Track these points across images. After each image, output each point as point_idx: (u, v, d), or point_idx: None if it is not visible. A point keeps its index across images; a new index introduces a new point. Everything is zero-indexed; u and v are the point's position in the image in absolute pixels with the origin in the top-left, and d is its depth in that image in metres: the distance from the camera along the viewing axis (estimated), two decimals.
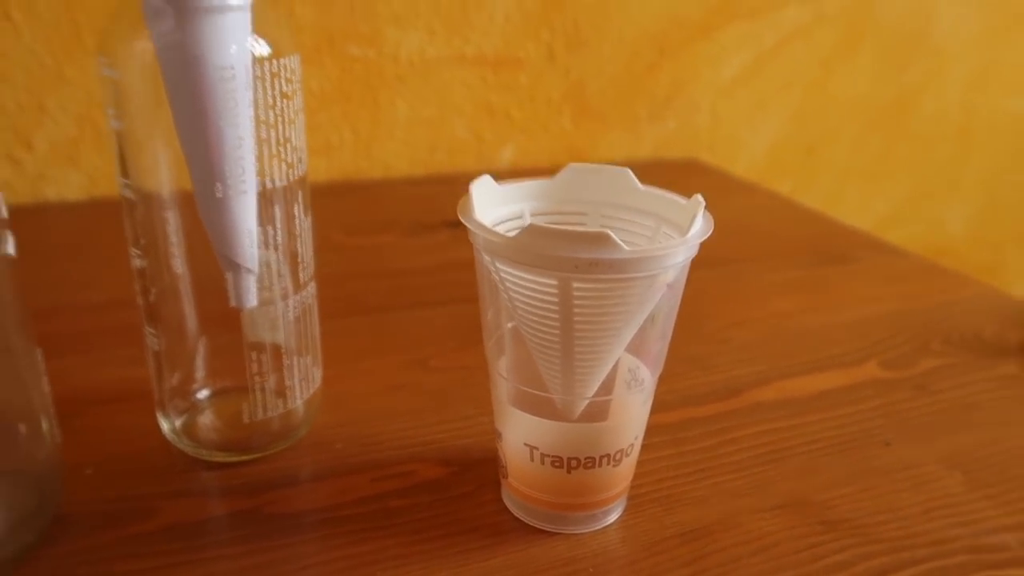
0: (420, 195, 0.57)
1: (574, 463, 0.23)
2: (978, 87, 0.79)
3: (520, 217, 0.25)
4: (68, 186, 0.52)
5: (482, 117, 0.62)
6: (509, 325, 0.24)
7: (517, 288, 0.22)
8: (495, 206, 0.24)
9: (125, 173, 0.24)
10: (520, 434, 0.24)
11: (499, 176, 0.55)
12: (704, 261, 0.49)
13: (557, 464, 0.23)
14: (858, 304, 0.41)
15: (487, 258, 0.22)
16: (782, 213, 0.56)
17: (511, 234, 0.21)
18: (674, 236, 0.24)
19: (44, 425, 0.23)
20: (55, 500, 0.24)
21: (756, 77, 0.70)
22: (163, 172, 0.24)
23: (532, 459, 0.24)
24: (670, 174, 0.65)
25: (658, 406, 0.30)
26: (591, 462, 0.23)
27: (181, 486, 0.26)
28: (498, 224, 0.24)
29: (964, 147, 0.82)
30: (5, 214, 0.22)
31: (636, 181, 0.25)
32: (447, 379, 0.33)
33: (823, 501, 0.27)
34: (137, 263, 0.26)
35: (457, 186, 0.59)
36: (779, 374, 0.34)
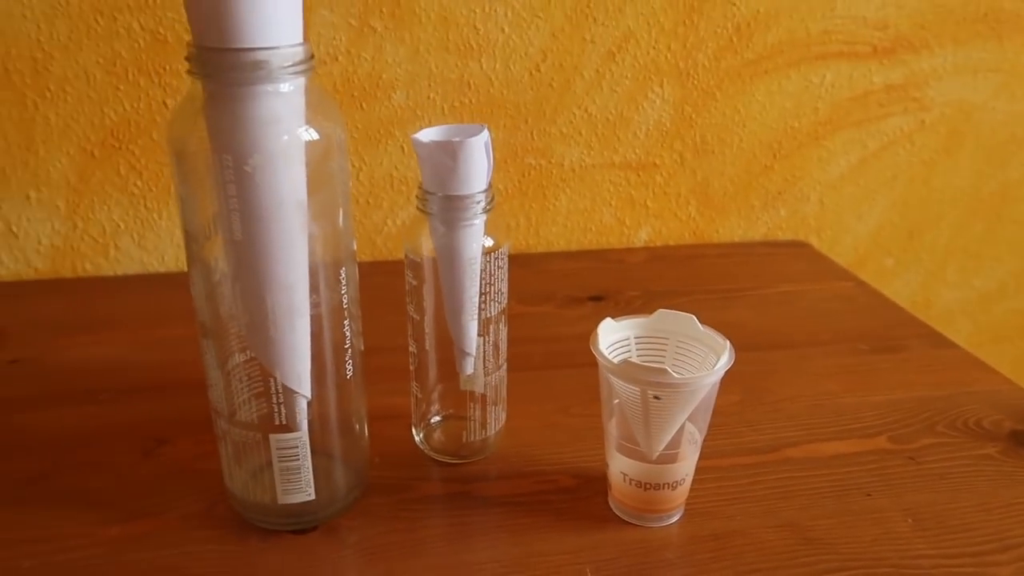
0: (573, 269, 0.76)
1: (648, 485, 0.41)
2: None
3: (628, 340, 0.43)
4: None
5: (624, 207, 0.79)
6: (616, 401, 0.42)
7: (620, 386, 0.39)
8: (614, 333, 0.42)
9: (414, 304, 0.45)
10: (619, 467, 0.42)
11: (635, 252, 0.75)
12: (780, 343, 0.67)
13: (639, 486, 0.41)
14: (891, 389, 0.56)
15: (604, 371, 0.40)
16: (861, 302, 0.70)
17: (618, 359, 0.39)
18: (714, 359, 0.40)
19: (365, 426, 0.44)
20: (367, 474, 0.45)
21: (861, 175, 0.83)
22: (430, 305, 0.44)
23: (625, 481, 0.41)
24: (778, 256, 0.80)
25: (716, 454, 0.47)
26: (658, 486, 0.41)
27: (425, 474, 0.46)
28: (614, 344, 0.42)
29: None
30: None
31: (698, 323, 0.42)
32: (582, 423, 0.51)
33: (809, 526, 0.42)
34: (412, 348, 0.46)
35: (602, 261, 0.77)
36: (809, 439, 0.50)
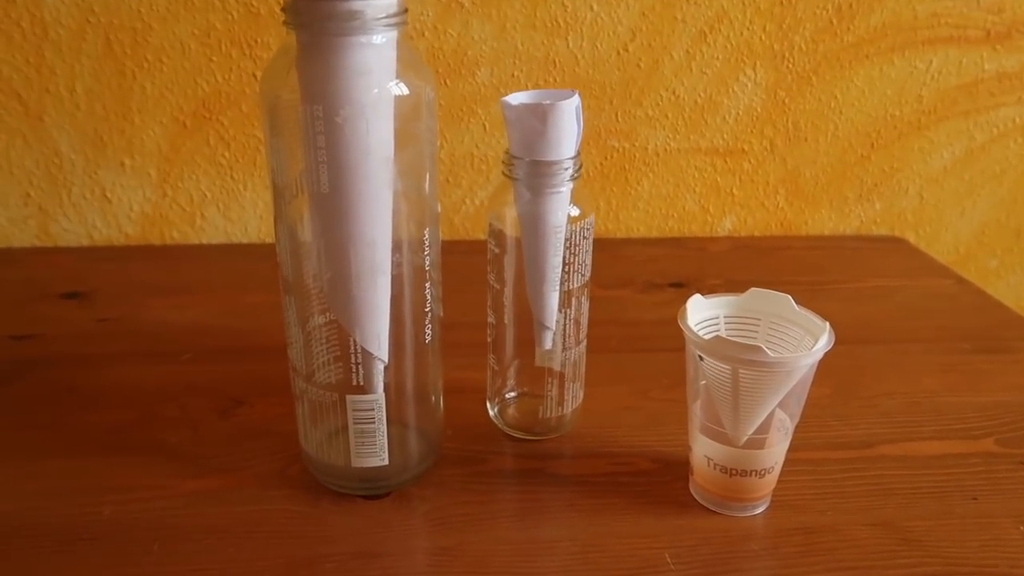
0: (653, 255, 0.73)
1: (734, 472, 0.39)
2: None
3: (717, 318, 0.41)
4: None
5: (709, 194, 0.77)
6: (702, 382, 0.40)
7: (709, 366, 0.38)
8: (703, 310, 0.40)
9: (494, 274, 0.43)
10: (703, 450, 0.40)
11: (717, 241, 0.73)
12: (877, 338, 0.64)
13: (723, 471, 0.39)
14: (998, 390, 0.52)
15: (692, 347, 0.38)
16: (963, 300, 0.65)
17: (708, 336, 0.37)
18: (811, 342, 0.38)
19: (440, 396, 0.43)
20: (440, 445, 0.44)
21: (966, 169, 0.78)
22: (511, 276, 0.43)
23: (708, 466, 0.39)
24: (871, 250, 0.76)
25: (805, 446, 0.45)
26: (745, 473, 0.39)
27: (499, 448, 0.45)
28: (702, 322, 0.40)
29: None
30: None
31: (794, 303, 0.40)
32: (661, 407, 0.49)
33: (908, 527, 0.40)
34: (490, 319, 0.45)
35: (683, 249, 0.75)
36: (907, 437, 0.47)
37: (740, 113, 0.73)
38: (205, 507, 0.40)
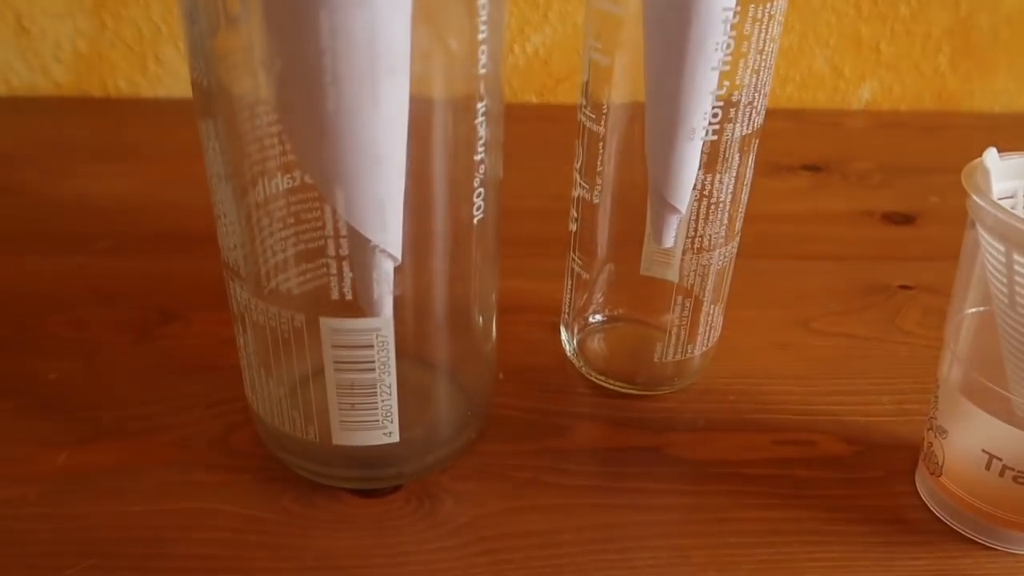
0: (772, 129, 0.53)
1: None
2: None
3: (1013, 196, 0.22)
4: None
5: (847, 49, 0.56)
6: (971, 310, 0.22)
7: None
8: (1001, 178, 0.22)
9: (590, 106, 0.25)
10: (977, 438, 0.22)
11: (852, 116, 0.50)
12: None
13: (1019, 480, 0.21)
14: None
15: (998, 246, 0.19)
16: None
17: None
18: None
19: (493, 318, 0.25)
20: (487, 401, 0.26)
21: None
22: (620, 115, 0.24)
23: (989, 468, 0.21)
24: None
25: None
26: None
27: (585, 409, 0.28)
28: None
29: None
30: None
31: None
32: (832, 345, 0.31)
33: None
34: (577, 190, 0.26)
35: (807, 123, 0.54)
36: None
37: None
38: (78, 503, 0.23)
